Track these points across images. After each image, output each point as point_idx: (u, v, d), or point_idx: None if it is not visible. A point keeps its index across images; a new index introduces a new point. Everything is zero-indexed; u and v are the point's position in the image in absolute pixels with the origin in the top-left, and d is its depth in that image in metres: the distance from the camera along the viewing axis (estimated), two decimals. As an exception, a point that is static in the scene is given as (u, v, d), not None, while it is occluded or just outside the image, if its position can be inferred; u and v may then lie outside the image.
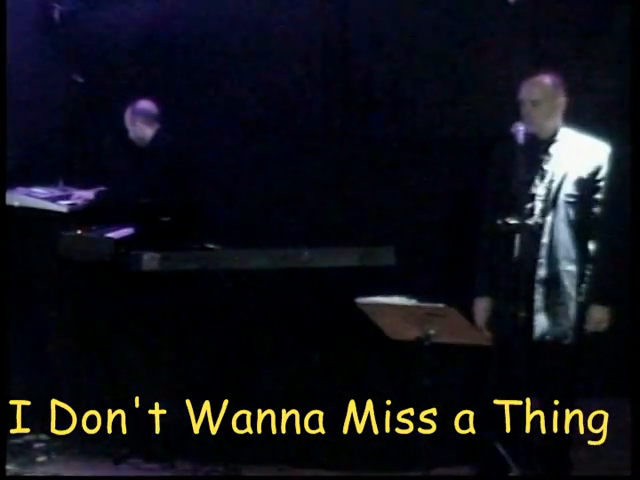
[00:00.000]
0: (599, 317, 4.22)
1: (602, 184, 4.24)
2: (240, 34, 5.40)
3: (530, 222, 4.13)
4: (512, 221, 4.16)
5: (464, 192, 4.98)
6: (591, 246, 4.25)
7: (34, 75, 5.42)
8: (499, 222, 4.25)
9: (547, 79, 4.33)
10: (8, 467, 4.60)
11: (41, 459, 4.93)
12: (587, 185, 4.24)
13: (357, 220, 5.21)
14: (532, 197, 4.19)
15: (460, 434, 4.74)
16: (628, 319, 4.33)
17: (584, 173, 4.25)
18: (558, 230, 4.22)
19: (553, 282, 4.20)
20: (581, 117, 4.63)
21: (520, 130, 4.15)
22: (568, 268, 4.23)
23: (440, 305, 3.68)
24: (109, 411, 5.13)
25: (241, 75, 5.44)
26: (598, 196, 4.25)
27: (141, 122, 5.35)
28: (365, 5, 5.28)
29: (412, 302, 3.73)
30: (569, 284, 4.23)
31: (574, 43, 5.03)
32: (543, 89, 4.31)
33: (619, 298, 4.32)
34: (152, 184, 5.12)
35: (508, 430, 4.25)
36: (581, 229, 4.25)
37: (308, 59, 5.38)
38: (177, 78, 5.49)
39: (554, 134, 4.31)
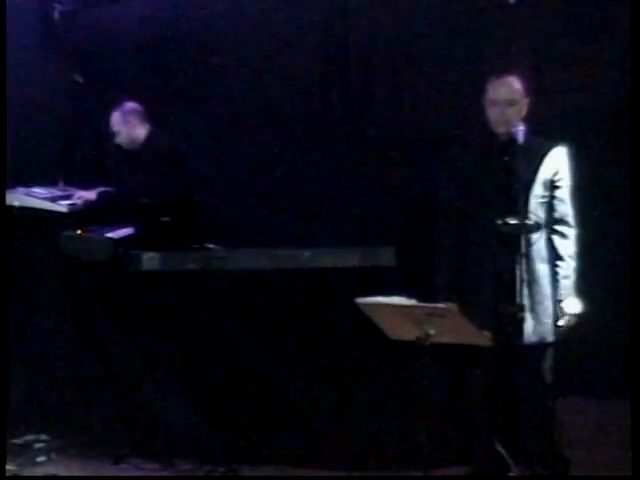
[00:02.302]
0: (568, 312, 4.23)
1: (560, 183, 4.28)
2: (240, 34, 5.40)
3: (530, 222, 4.12)
4: (512, 221, 4.16)
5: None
6: (557, 243, 4.29)
7: (34, 75, 5.42)
8: (499, 222, 4.25)
9: (516, 80, 4.34)
10: (8, 467, 4.60)
11: (41, 459, 4.93)
12: (550, 185, 4.28)
13: (357, 220, 5.22)
14: (507, 198, 4.12)
15: (459, 434, 4.75)
16: (628, 319, 4.32)
17: (549, 174, 4.28)
18: (547, 228, 4.24)
19: (530, 282, 4.19)
20: (580, 117, 4.65)
21: (520, 129, 4.14)
22: (542, 267, 4.25)
23: (440, 305, 3.68)
24: (109, 411, 5.13)
25: (241, 75, 5.44)
26: (557, 194, 4.28)
27: (136, 120, 5.31)
28: (364, 6, 5.28)
29: (412, 302, 3.73)
30: (545, 284, 4.26)
31: (574, 43, 5.03)
32: (517, 89, 4.32)
33: (588, 292, 4.34)
34: (153, 184, 5.12)
35: (505, 429, 4.27)
36: (550, 228, 4.28)
37: (307, 59, 5.38)
38: (176, 78, 5.49)
39: (521, 135, 4.30)
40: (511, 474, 4.19)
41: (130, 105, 5.34)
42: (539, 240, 4.25)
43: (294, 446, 4.86)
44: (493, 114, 4.31)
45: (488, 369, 4.36)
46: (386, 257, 4.62)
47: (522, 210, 4.04)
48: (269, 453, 4.87)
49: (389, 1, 5.26)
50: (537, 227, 4.18)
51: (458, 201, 4.45)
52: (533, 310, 4.21)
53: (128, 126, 5.31)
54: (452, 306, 3.67)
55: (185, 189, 5.18)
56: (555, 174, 4.29)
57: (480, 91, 5.02)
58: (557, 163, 4.31)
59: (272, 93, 5.38)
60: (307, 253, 4.69)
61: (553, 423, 4.33)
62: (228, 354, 4.90)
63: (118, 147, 5.41)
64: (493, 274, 4.26)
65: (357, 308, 3.83)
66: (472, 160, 4.45)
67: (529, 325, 4.16)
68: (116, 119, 5.33)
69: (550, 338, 4.25)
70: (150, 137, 5.33)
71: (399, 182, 5.24)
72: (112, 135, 5.34)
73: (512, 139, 4.15)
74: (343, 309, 4.36)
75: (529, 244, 4.14)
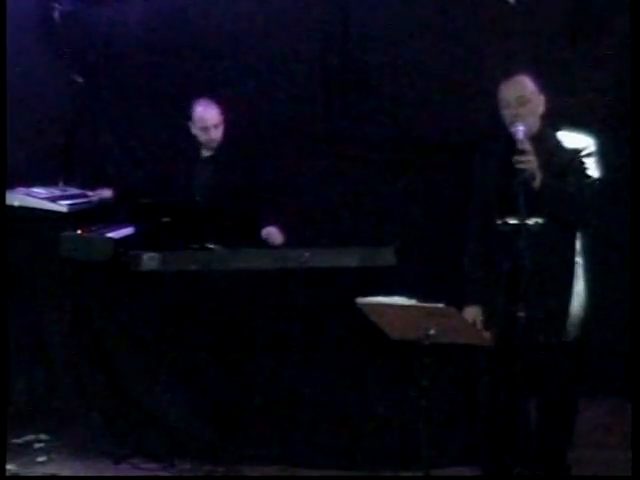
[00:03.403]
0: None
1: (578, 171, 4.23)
2: (240, 35, 5.41)
3: (530, 222, 4.12)
4: (512, 221, 4.16)
5: (465, 191, 4.99)
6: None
7: (34, 75, 5.41)
8: (499, 222, 4.25)
9: (527, 79, 4.33)
10: (8, 467, 4.60)
11: (41, 459, 4.93)
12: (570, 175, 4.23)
13: (357, 220, 5.22)
14: (518, 197, 4.06)
15: (460, 434, 4.75)
16: (628, 319, 4.33)
17: (562, 167, 4.24)
18: (547, 228, 4.19)
19: (545, 281, 4.18)
20: (580, 117, 4.64)
21: (519, 129, 4.14)
22: (556, 266, 4.23)
23: (440, 305, 3.68)
24: (109, 411, 5.13)
25: (241, 75, 5.44)
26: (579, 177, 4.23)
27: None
28: (364, 5, 5.28)
29: (412, 302, 3.73)
30: (561, 282, 4.23)
31: (574, 42, 5.04)
32: (528, 87, 4.30)
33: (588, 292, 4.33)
34: (228, 186, 5.05)
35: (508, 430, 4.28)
36: (567, 226, 4.25)
37: (308, 59, 5.39)
38: (176, 78, 5.49)
39: (537, 133, 4.30)
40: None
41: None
42: (557, 238, 4.22)
43: (294, 446, 4.86)
44: (506, 114, 4.29)
45: (493, 369, 4.35)
46: (386, 257, 4.62)
47: (523, 209, 4.03)
48: (269, 453, 4.87)
49: (389, 1, 5.27)
50: (538, 227, 4.16)
51: (474, 202, 4.47)
52: (544, 309, 4.15)
53: (221, 126, 5.14)
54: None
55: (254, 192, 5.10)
56: (570, 164, 4.24)
57: (479, 91, 5.05)
58: (570, 153, 4.25)
59: (272, 93, 5.38)
60: (307, 253, 4.69)
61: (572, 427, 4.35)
62: (228, 354, 4.90)
63: (190, 146, 5.21)
64: (502, 274, 4.25)
65: (357, 308, 3.84)
66: (484, 161, 4.46)
67: (538, 324, 4.13)
68: (216, 113, 5.12)
69: (570, 336, 4.23)
70: (226, 141, 5.15)
71: (399, 182, 5.25)
72: (204, 130, 5.10)
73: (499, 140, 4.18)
74: (343, 309, 4.36)
75: (537, 243, 4.11)
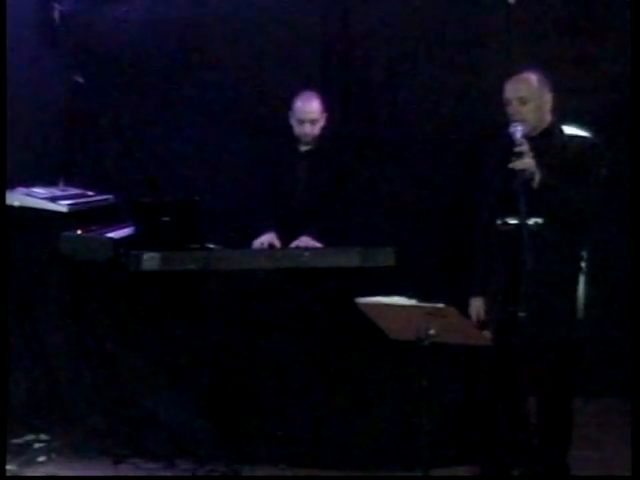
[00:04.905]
0: None
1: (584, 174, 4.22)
2: (240, 34, 5.41)
3: (530, 222, 4.11)
4: (512, 221, 4.16)
5: (465, 191, 4.99)
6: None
7: (34, 75, 5.41)
8: (499, 222, 4.25)
9: (532, 76, 4.30)
10: (8, 467, 4.59)
11: (41, 459, 4.93)
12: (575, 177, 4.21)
13: (357, 220, 5.22)
14: (518, 197, 4.06)
15: (460, 434, 4.75)
16: (628, 319, 4.33)
17: (567, 168, 4.23)
18: (547, 228, 4.18)
19: (546, 281, 4.18)
20: (580, 117, 4.65)
21: (518, 129, 4.14)
22: (557, 266, 4.22)
23: (440, 305, 3.67)
24: (109, 411, 5.13)
25: (241, 75, 5.45)
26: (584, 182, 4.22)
27: None
28: (364, 5, 5.29)
29: (412, 302, 3.73)
30: (562, 282, 4.23)
31: (574, 42, 5.04)
32: (529, 86, 4.28)
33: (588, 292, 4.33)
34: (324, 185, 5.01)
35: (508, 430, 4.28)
36: (568, 226, 4.25)
37: (308, 59, 5.39)
38: (176, 78, 5.49)
39: (543, 131, 4.29)
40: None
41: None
42: (556, 238, 4.21)
43: (294, 446, 4.86)
44: (508, 113, 4.29)
45: (488, 368, 4.36)
46: (386, 257, 4.62)
47: (523, 209, 4.03)
48: (269, 453, 4.87)
49: (389, 1, 5.27)
50: (538, 227, 4.16)
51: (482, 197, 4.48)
52: (544, 309, 4.15)
53: (322, 120, 5.04)
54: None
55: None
56: (578, 165, 4.21)
57: (480, 90, 5.06)
58: (576, 154, 4.24)
59: (272, 93, 5.38)
60: (307, 253, 4.69)
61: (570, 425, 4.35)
62: (228, 354, 4.90)
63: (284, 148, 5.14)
64: (502, 273, 4.25)
65: (357, 308, 3.83)
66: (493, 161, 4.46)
67: (537, 324, 4.12)
68: (317, 108, 4.98)
69: (569, 336, 4.23)
70: (324, 135, 5.04)
71: (400, 181, 5.25)
72: (300, 123, 4.99)
73: (505, 139, 4.18)
74: (343, 309, 4.35)
75: (537, 243, 4.10)
